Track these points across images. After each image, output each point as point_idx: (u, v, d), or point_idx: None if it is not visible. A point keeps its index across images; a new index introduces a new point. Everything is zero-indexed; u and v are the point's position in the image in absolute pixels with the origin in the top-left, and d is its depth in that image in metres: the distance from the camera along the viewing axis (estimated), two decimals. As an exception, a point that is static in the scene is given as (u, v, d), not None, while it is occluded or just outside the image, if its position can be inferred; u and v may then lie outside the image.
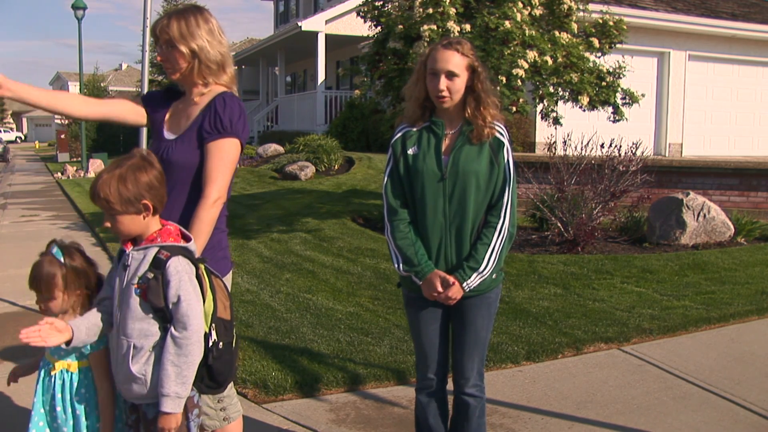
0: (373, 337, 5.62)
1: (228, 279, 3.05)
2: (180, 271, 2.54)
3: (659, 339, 5.67)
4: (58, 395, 2.84)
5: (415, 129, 3.16)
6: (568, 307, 6.41)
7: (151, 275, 2.52)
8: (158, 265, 2.53)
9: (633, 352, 5.40)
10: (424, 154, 3.10)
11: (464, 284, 3.04)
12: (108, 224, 2.61)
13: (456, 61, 3.02)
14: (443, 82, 3.02)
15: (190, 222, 2.79)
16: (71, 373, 2.85)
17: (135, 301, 2.54)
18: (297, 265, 8.23)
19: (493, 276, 3.13)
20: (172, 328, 2.53)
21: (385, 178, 3.21)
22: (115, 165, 2.63)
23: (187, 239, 2.66)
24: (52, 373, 2.85)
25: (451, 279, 3.03)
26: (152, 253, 2.56)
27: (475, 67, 3.06)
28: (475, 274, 3.04)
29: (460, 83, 3.04)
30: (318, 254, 8.74)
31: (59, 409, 2.85)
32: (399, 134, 3.20)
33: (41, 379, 2.92)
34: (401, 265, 3.12)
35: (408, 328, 5.70)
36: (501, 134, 3.10)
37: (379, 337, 5.59)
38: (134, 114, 3.16)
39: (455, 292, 3.05)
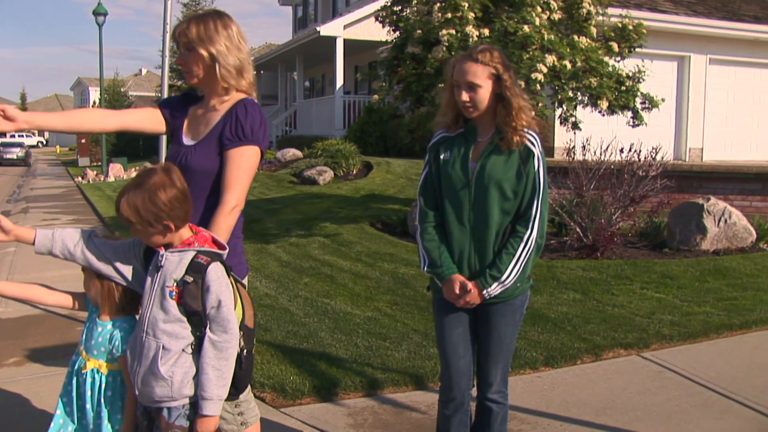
0: (391, 341, 5.61)
1: (244, 283, 3.05)
2: (220, 276, 2.56)
3: (680, 345, 5.62)
4: (88, 393, 2.87)
5: (451, 134, 3.18)
6: (587, 313, 6.38)
7: (190, 279, 2.53)
8: (197, 270, 2.54)
9: (653, 358, 5.35)
10: (453, 160, 3.11)
11: (484, 291, 3.04)
12: (135, 235, 2.64)
13: (476, 72, 3.00)
14: (465, 94, 3.03)
15: (207, 228, 2.80)
16: (101, 374, 2.87)
17: (169, 303, 2.55)
18: (315, 269, 8.24)
19: (518, 285, 3.11)
20: (211, 333, 2.54)
21: (421, 182, 3.25)
22: (137, 182, 2.62)
23: (221, 247, 2.66)
24: (83, 370, 2.88)
25: (470, 284, 3.03)
26: (189, 256, 2.57)
27: (500, 75, 3.03)
28: (496, 283, 3.03)
29: (483, 93, 3.03)
30: (336, 259, 8.75)
31: (88, 406, 2.88)
32: (435, 139, 3.23)
33: (70, 374, 2.95)
34: (426, 266, 3.15)
35: (426, 333, 5.73)
36: (532, 143, 3.07)
37: (398, 342, 5.59)
38: (152, 122, 3.18)
39: (473, 298, 3.05)
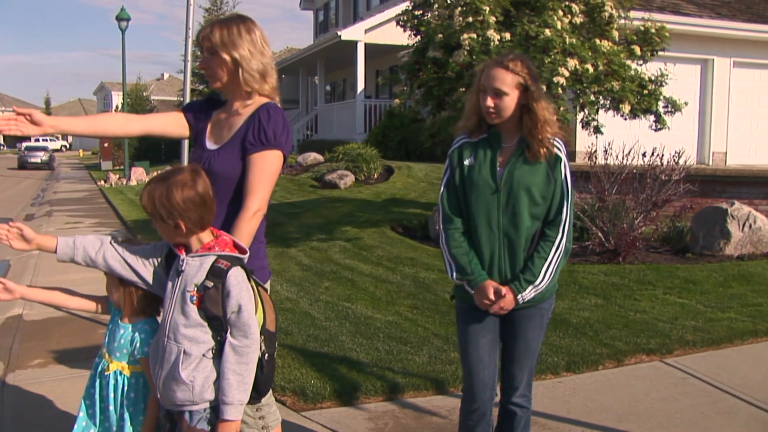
0: (412, 346, 5.60)
1: (266, 287, 3.06)
2: (240, 281, 2.56)
3: (703, 351, 5.57)
4: (111, 395, 2.90)
5: (473, 140, 3.16)
6: (609, 318, 6.34)
7: (210, 284, 2.54)
8: (218, 274, 2.55)
9: (676, 364, 5.30)
10: (479, 165, 3.09)
11: (519, 296, 3.03)
12: (153, 227, 2.67)
13: (504, 80, 2.99)
14: (489, 100, 3.01)
15: (229, 232, 2.81)
16: (124, 376, 2.90)
17: (190, 308, 2.57)
18: (336, 273, 8.25)
19: (548, 288, 3.11)
20: (232, 337, 2.55)
21: (442, 188, 3.21)
22: (163, 176, 2.67)
23: (242, 251, 2.67)
24: (106, 372, 2.91)
25: (504, 290, 3.02)
26: (209, 261, 2.58)
27: (528, 86, 3.02)
28: (530, 287, 3.03)
29: (509, 101, 3.01)
30: (357, 263, 8.75)
31: (111, 408, 2.90)
32: (457, 144, 3.20)
33: (93, 377, 2.98)
34: (455, 273, 3.11)
35: (447, 337, 5.71)
36: (559, 149, 3.07)
37: (418, 347, 5.58)
38: (176, 126, 3.19)
39: (508, 303, 3.03)
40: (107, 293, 2.97)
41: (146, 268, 2.75)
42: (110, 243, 2.74)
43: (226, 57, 2.93)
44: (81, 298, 3.07)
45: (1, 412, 4.57)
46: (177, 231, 2.61)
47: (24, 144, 48.95)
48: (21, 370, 5.32)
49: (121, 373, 2.89)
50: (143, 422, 2.89)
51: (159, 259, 2.77)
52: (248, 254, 2.69)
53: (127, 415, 2.89)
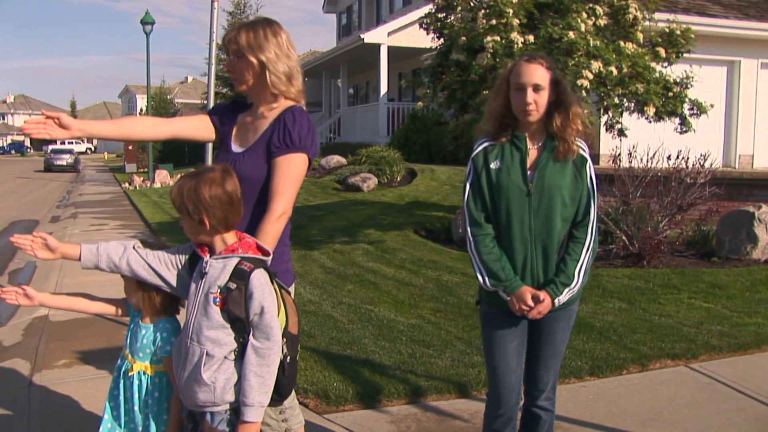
0: (434, 349, 5.59)
1: (291, 290, 3.07)
2: (263, 283, 2.57)
3: (729, 357, 5.50)
4: (135, 396, 2.93)
5: (496, 143, 3.12)
6: (633, 322, 6.29)
7: (233, 285, 2.56)
8: (241, 276, 2.56)
9: (702, 369, 5.25)
10: (508, 169, 3.05)
11: (556, 299, 3.01)
12: (181, 224, 2.70)
13: (541, 74, 2.98)
14: (530, 95, 2.98)
15: (254, 235, 2.82)
16: (148, 376, 2.93)
17: (213, 309, 2.58)
18: (359, 276, 8.26)
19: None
20: (254, 339, 2.56)
21: (467, 193, 3.15)
22: (195, 172, 2.70)
23: (265, 253, 2.68)
24: (130, 373, 2.93)
25: (542, 294, 3.00)
26: (233, 263, 2.60)
27: (559, 81, 3.03)
28: (566, 290, 3.02)
29: (545, 96, 3.00)
30: (380, 266, 8.76)
31: (136, 409, 2.93)
32: (480, 148, 3.14)
33: (116, 378, 3.01)
34: (488, 279, 3.06)
35: (470, 341, 5.70)
36: (583, 150, 3.08)
37: (441, 350, 5.57)
38: (202, 129, 3.22)
39: (545, 307, 3.01)
40: (126, 296, 3.00)
41: (170, 272, 2.77)
42: (133, 248, 2.76)
43: (253, 60, 2.95)
44: (100, 303, 3.11)
45: (28, 411, 4.62)
46: (201, 228, 2.62)
47: (50, 147, 49.51)
48: (47, 370, 5.37)
49: (144, 374, 2.92)
50: (167, 422, 2.91)
51: (182, 262, 2.79)
52: (271, 256, 2.70)
53: (151, 415, 2.92)
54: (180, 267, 2.78)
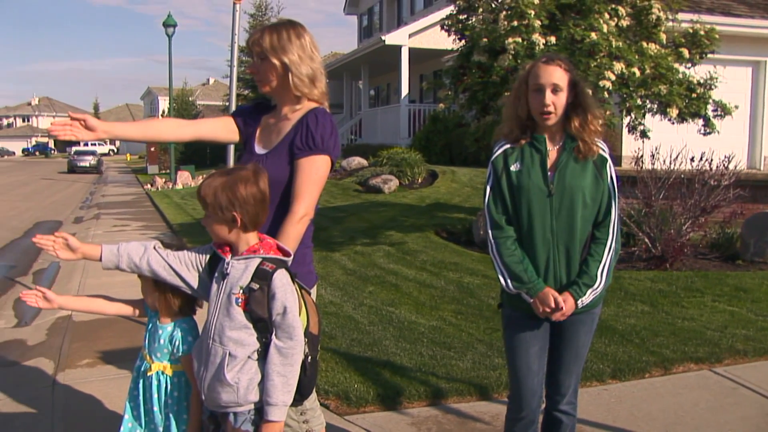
0: (455, 351, 5.58)
1: (313, 292, 3.07)
2: (285, 283, 2.58)
3: (755, 361, 5.44)
4: (155, 396, 2.95)
5: (515, 146, 3.11)
6: (656, 325, 6.24)
7: (256, 286, 2.56)
8: (263, 276, 2.57)
9: (726, 374, 5.20)
10: (528, 170, 3.04)
11: (579, 301, 2.99)
12: (203, 222, 2.70)
13: (559, 76, 2.97)
14: (549, 97, 2.97)
15: (275, 237, 2.82)
16: (166, 376, 2.95)
17: (235, 310, 2.58)
18: (380, 277, 8.26)
19: (602, 293, 3.09)
20: (276, 339, 2.57)
21: (487, 196, 3.14)
22: (225, 171, 2.71)
23: (286, 254, 2.69)
24: (149, 374, 2.96)
25: (565, 296, 2.99)
26: (254, 264, 2.60)
27: (577, 82, 3.02)
28: (589, 291, 3.00)
29: (564, 98, 2.99)
30: (401, 267, 8.76)
31: (155, 409, 2.95)
32: (499, 151, 3.14)
33: (136, 379, 3.03)
34: (510, 282, 3.05)
35: (491, 343, 5.68)
36: (603, 150, 3.07)
37: (462, 352, 5.55)
38: (226, 131, 3.23)
39: (569, 309, 2.99)
40: (143, 296, 3.03)
41: (190, 272, 2.78)
42: (154, 248, 2.77)
43: (276, 61, 2.96)
44: (118, 304, 3.14)
45: (52, 409, 4.67)
46: (231, 225, 2.63)
47: (73, 148, 49.96)
48: (70, 370, 5.42)
49: (163, 374, 2.94)
50: (188, 421, 2.93)
51: (203, 263, 2.79)
52: (292, 257, 2.71)
53: (172, 415, 2.94)
54: (200, 268, 2.79)
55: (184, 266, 2.77)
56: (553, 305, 2.97)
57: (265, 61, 2.98)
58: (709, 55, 9.47)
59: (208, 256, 2.79)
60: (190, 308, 3.00)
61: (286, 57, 2.95)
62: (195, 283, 2.79)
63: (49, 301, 2.92)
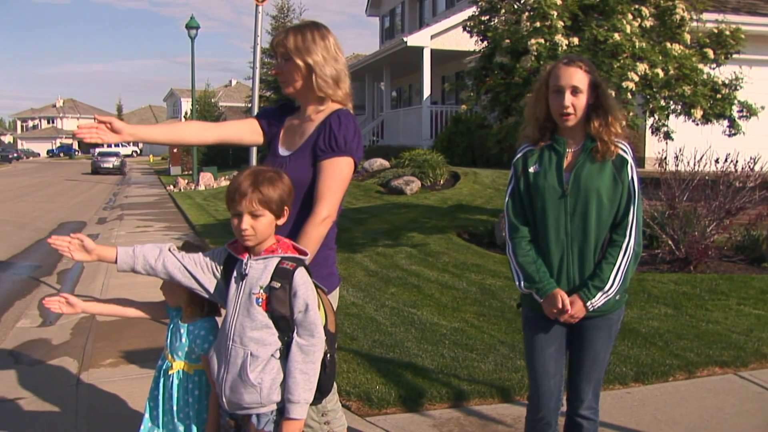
0: (477, 353, 5.57)
1: (335, 294, 3.08)
2: (306, 281, 2.60)
3: (781, 365, 5.38)
4: (175, 395, 2.97)
5: (536, 148, 3.12)
6: (680, 328, 6.19)
7: (277, 284, 2.57)
8: (284, 275, 2.58)
9: (752, 378, 5.14)
10: (545, 172, 3.05)
11: (588, 303, 2.97)
12: (241, 224, 2.59)
13: (579, 77, 2.96)
14: (568, 98, 2.96)
15: (297, 238, 2.82)
16: (187, 374, 2.97)
17: (256, 310, 2.59)
18: (402, 279, 8.26)
19: (617, 297, 3.04)
20: (298, 337, 2.58)
21: (507, 197, 3.17)
22: (255, 173, 2.66)
23: (302, 253, 2.70)
24: (170, 372, 2.98)
25: (573, 298, 2.98)
26: (273, 263, 2.61)
27: (598, 83, 3.01)
28: (599, 294, 2.97)
29: (584, 99, 2.98)
30: (423, 269, 8.75)
31: (175, 408, 2.97)
32: (521, 153, 3.16)
33: (157, 378, 3.06)
34: (522, 282, 3.07)
35: (513, 345, 5.66)
36: (624, 151, 3.03)
37: (484, 354, 5.54)
38: (251, 133, 3.24)
39: (578, 311, 2.98)
40: (164, 295, 3.05)
41: (205, 275, 2.77)
42: (169, 250, 2.77)
43: (300, 63, 2.96)
44: (139, 306, 3.17)
45: (76, 408, 4.71)
46: (277, 221, 2.65)
47: (97, 150, 50.41)
48: (94, 369, 5.47)
49: (184, 372, 2.97)
50: (206, 421, 2.94)
51: (218, 266, 2.79)
52: (308, 255, 2.72)
53: (192, 413, 2.96)
54: (215, 270, 2.78)
55: (199, 268, 2.77)
56: (560, 306, 2.97)
57: (289, 61, 2.99)
58: (735, 56, 9.37)
59: (223, 258, 2.79)
60: (212, 309, 3.01)
61: (310, 58, 2.95)
62: (210, 286, 2.78)
63: (72, 306, 2.95)
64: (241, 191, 2.60)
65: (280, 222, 2.67)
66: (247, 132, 3.24)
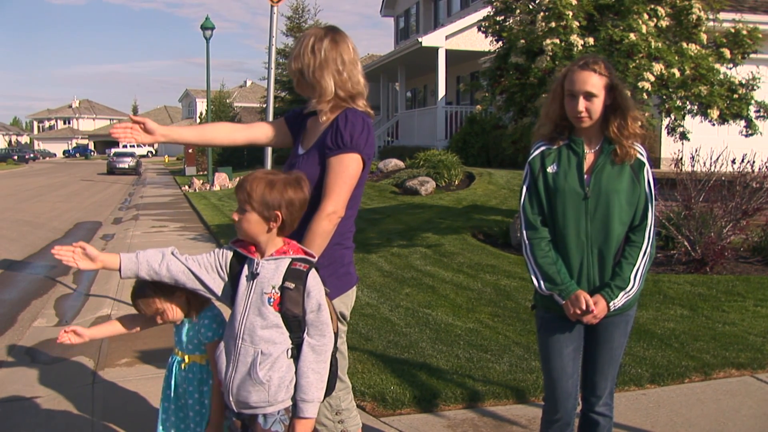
0: (492, 354, 5.56)
1: (352, 293, 3.11)
2: (318, 282, 2.63)
3: (797, 367, 5.34)
4: (190, 388, 3.01)
5: (553, 147, 3.11)
6: (696, 330, 6.15)
7: (291, 285, 2.60)
8: (297, 276, 2.61)
9: (768, 379, 5.11)
10: (564, 173, 3.04)
11: (611, 303, 2.98)
12: (236, 218, 2.67)
13: (593, 82, 2.96)
14: (582, 104, 2.96)
15: (303, 233, 2.85)
16: (200, 365, 3.02)
17: (267, 309, 2.61)
18: (417, 279, 8.26)
19: (636, 296, 3.07)
20: (309, 337, 2.61)
21: (523, 196, 3.15)
22: (272, 172, 2.74)
23: (311, 255, 2.72)
24: (183, 366, 3.02)
25: (597, 298, 2.97)
26: (285, 264, 2.63)
27: (615, 86, 3.00)
28: (622, 294, 2.98)
29: (599, 103, 2.98)
30: (438, 269, 8.75)
31: (191, 401, 3.01)
32: (537, 152, 3.14)
33: (168, 377, 3.10)
34: (543, 283, 3.05)
35: (528, 346, 5.65)
36: (641, 154, 3.04)
37: (499, 355, 5.53)
38: (279, 135, 3.30)
39: (601, 312, 2.98)
40: (137, 308, 3.09)
41: (210, 276, 2.77)
42: (172, 254, 2.78)
43: (315, 81, 3.01)
44: (142, 320, 3.19)
45: (92, 407, 4.74)
46: (268, 224, 2.64)
47: (113, 150, 50.72)
48: (109, 368, 5.50)
49: (197, 364, 3.02)
50: (209, 416, 2.98)
51: (224, 266, 2.78)
52: (317, 257, 2.74)
53: (207, 404, 3.01)
54: (220, 270, 2.78)
55: (204, 270, 2.77)
56: (584, 307, 2.96)
57: (304, 78, 3.04)
58: (752, 55, 9.32)
59: (229, 259, 2.78)
60: (200, 301, 3.01)
61: (327, 71, 2.99)
62: (215, 287, 2.78)
63: (80, 336, 3.01)
64: (239, 184, 2.70)
65: (273, 226, 2.66)
66: (276, 133, 3.29)
